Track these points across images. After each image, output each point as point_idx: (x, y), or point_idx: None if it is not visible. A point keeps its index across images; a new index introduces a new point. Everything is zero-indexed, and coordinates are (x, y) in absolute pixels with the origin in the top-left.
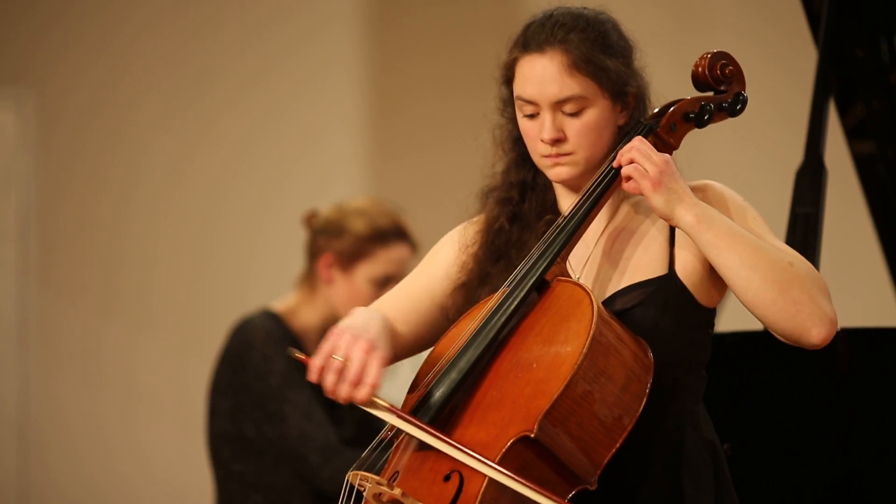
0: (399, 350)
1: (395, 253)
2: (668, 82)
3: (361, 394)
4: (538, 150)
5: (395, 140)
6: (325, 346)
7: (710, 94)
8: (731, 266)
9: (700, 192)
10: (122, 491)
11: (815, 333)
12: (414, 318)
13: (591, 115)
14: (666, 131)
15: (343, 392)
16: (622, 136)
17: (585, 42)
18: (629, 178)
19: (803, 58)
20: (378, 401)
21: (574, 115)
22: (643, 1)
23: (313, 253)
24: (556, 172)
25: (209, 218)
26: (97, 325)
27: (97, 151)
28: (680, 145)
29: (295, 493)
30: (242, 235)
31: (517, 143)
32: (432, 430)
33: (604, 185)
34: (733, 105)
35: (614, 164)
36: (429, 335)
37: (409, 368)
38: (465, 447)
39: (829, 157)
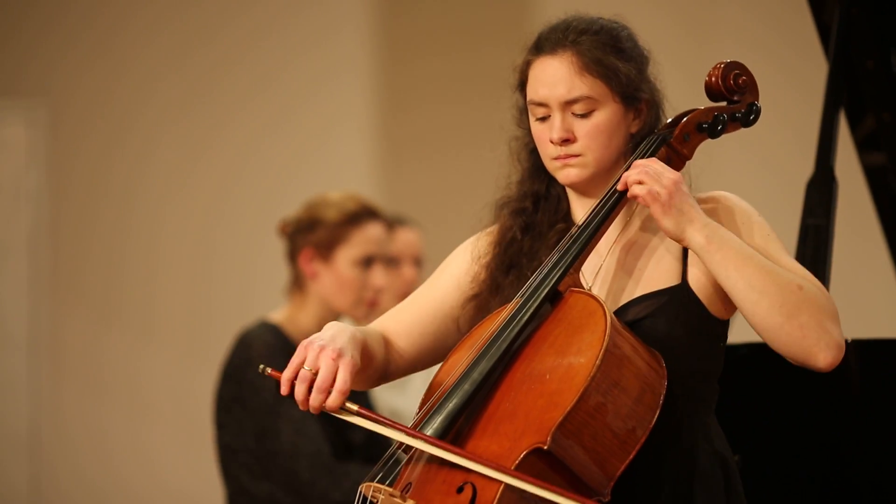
0: (400, 364)
1: (370, 231)
2: (677, 94)
3: (332, 401)
4: (548, 152)
5: (405, 142)
6: (294, 359)
7: (724, 104)
8: (739, 288)
9: (712, 203)
10: (128, 499)
11: (822, 358)
12: (418, 331)
13: (600, 117)
14: (679, 142)
15: (314, 401)
16: (635, 146)
17: (597, 45)
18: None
19: (813, 70)
20: (351, 406)
21: (584, 116)
22: (653, 12)
23: (293, 254)
24: (565, 174)
25: (216, 226)
26: (107, 336)
27: (108, 165)
28: (693, 155)
29: None
30: (250, 242)
31: (532, 154)
32: (424, 436)
33: (618, 195)
34: (746, 115)
35: (619, 187)
36: (436, 349)
37: (421, 380)
38: (474, 455)
39: (840, 169)
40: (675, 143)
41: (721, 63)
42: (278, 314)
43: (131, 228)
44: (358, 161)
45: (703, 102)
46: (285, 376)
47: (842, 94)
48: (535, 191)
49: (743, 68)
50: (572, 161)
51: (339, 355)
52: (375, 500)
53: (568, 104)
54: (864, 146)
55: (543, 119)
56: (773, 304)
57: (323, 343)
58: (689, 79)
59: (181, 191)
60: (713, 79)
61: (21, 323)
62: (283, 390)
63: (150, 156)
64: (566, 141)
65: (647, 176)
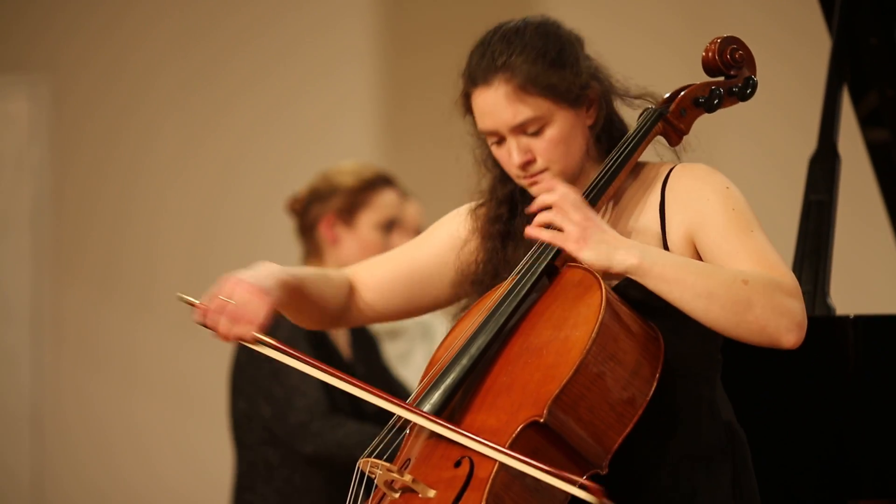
0: (366, 313)
1: (388, 196)
2: (677, 82)
3: (242, 330)
4: (514, 173)
5: (408, 131)
6: (213, 289)
7: (721, 78)
8: (686, 299)
9: (683, 173)
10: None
11: (786, 341)
12: (387, 288)
13: (553, 131)
14: (676, 117)
15: (224, 328)
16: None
17: (526, 63)
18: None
19: (815, 47)
20: (265, 339)
21: (536, 133)
22: (653, 1)
23: (310, 225)
24: (537, 190)
25: (218, 206)
26: (109, 311)
27: (110, 140)
28: (690, 130)
29: (308, 493)
30: (251, 223)
31: (497, 161)
32: (421, 412)
33: (608, 178)
34: (743, 89)
35: (529, 209)
36: (404, 307)
37: (421, 356)
38: (474, 432)
39: (843, 146)
40: (671, 118)
41: (717, 38)
42: None
43: (134, 204)
44: (360, 150)
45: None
46: (201, 304)
47: (845, 71)
48: (508, 195)
49: (739, 43)
50: (539, 177)
51: (256, 289)
52: (374, 476)
53: (518, 127)
54: (867, 122)
55: (500, 142)
56: (724, 305)
57: (242, 277)
58: (687, 66)
59: (184, 169)
60: (710, 54)
61: (23, 297)
62: (197, 317)
63: (153, 135)
64: (528, 163)
65: (555, 215)
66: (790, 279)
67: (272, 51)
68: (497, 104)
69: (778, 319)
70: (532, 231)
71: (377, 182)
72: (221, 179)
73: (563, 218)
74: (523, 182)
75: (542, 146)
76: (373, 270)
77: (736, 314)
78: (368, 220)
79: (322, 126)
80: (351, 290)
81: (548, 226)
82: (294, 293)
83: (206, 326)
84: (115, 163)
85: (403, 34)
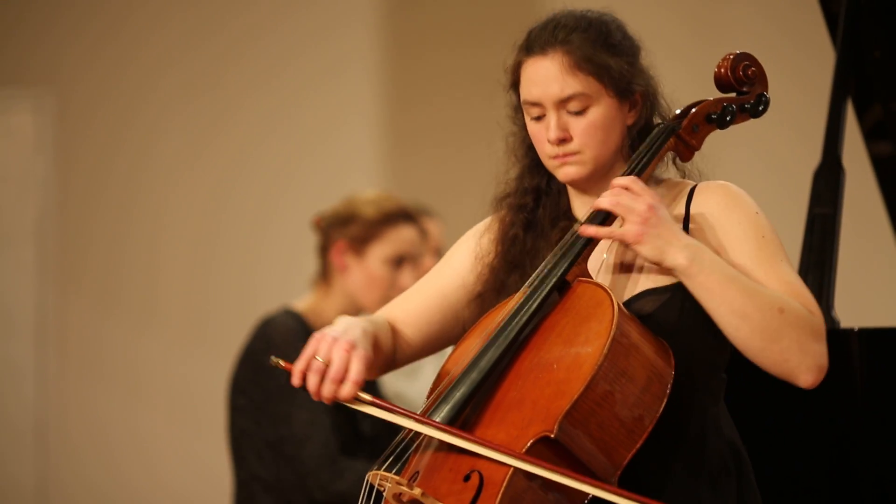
0: (407, 352)
1: (405, 233)
2: (682, 90)
3: (345, 391)
4: (546, 151)
5: (412, 134)
6: (307, 350)
7: (733, 95)
8: (722, 313)
9: (710, 193)
10: (130, 483)
11: (803, 380)
12: (424, 320)
13: (595, 114)
14: (688, 132)
15: (326, 391)
16: (641, 138)
17: (587, 42)
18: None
19: (819, 62)
20: (364, 396)
21: (578, 113)
22: (656, 7)
23: (326, 246)
24: (564, 173)
25: (220, 215)
26: (113, 323)
27: (113, 153)
28: (702, 146)
29: (300, 493)
30: (254, 232)
31: (530, 150)
32: (435, 423)
33: None
34: (756, 106)
35: (594, 206)
36: (441, 337)
37: (431, 369)
38: (483, 440)
39: (847, 158)
40: (683, 133)
41: (730, 54)
42: (302, 303)
43: (137, 216)
44: (364, 153)
45: (707, 97)
46: (297, 367)
47: (849, 84)
48: (535, 186)
49: (752, 59)
50: (571, 159)
51: (352, 347)
52: (382, 489)
53: (562, 103)
54: (871, 135)
55: (539, 118)
56: (754, 329)
57: (336, 335)
58: (692, 74)
59: (186, 179)
60: (722, 70)
61: (27, 309)
62: (295, 382)
63: (155, 144)
64: (563, 140)
65: (618, 207)
66: (819, 319)
67: (273, 55)
68: (549, 74)
69: (801, 357)
70: (587, 229)
71: (397, 216)
72: (223, 185)
73: (627, 211)
74: (552, 163)
75: (582, 127)
76: (404, 306)
77: (763, 340)
78: (379, 253)
79: (325, 130)
80: (393, 331)
81: (603, 220)
82: (374, 346)
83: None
84: (118, 173)
85: (407, 37)
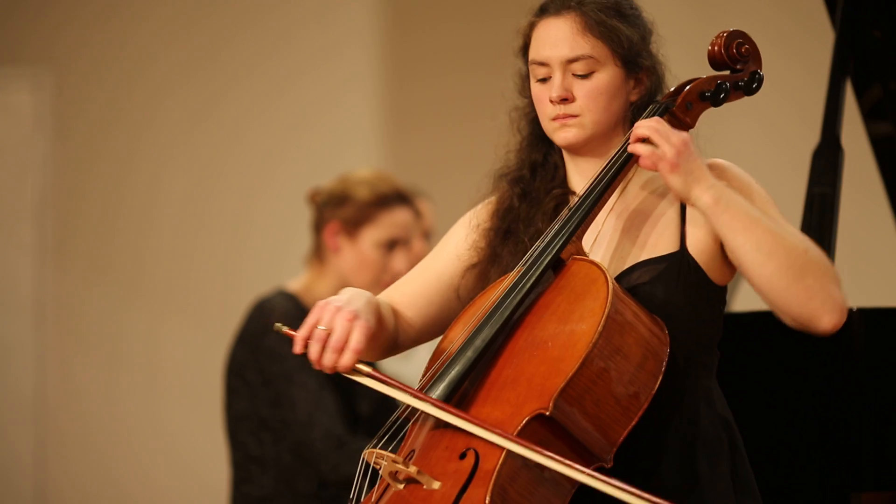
0: (409, 334)
1: (399, 216)
2: (681, 68)
3: (344, 360)
4: (547, 112)
5: (410, 111)
6: (310, 318)
7: (727, 72)
8: (747, 250)
9: (711, 170)
10: (137, 464)
11: (827, 320)
12: (423, 301)
13: (600, 79)
14: (682, 110)
15: (327, 360)
16: (635, 114)
17: (601, 8)
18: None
19: (818, 41)
20: (363, 367)
21: (584, 76)
22: None
23: (319, 225)
24: (562, 135)
25: (216, 192)
26: (113, 305)
27: (113, 132)
28: (696, 124)
29: (302, 475)
30: (252, 207)
31: (532, 124)
32: (431, 399)
33: (620, 164)
34: (749, 83)
35: (630, 142)
36: (441, 319)
37: (425, 351)
38: (478, 420)
39: (846, 139)
40: (677, 111)
41: (724, 32)
42: (295, 283)
43: (134, 192)
44: (363, 131)
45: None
46: (300, 334)
47: (848, 63)
48: (532, 159)
49: (745, 37)
50: (570, 121)
51: (355, 317)
52: (378, 467)
53: (569, 63)
54: (870, 115)
55: (544, 80)
56: (780, 266)
57: (339, 304)
58: (694, 57)
59: (182, 156)
60: (716, 48)
61: (26, 287)
62: (297, 349)
63: (151, 121)
64: (565, 100)
65: (655, 133)
66: (835, 268)
67: (272, 33)
68: (559, 34)
69: (824, 295)
70: (634, 135)
71: (391, 199)
72: (221, 162)
73: (662, 139)
74: (552, 125)
75: (586, 89)
76: (403, 289)
77: (789, 278)
78: (372, 236)
79: (323, 107)
80: (395, 313)
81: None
82: (378, 320)
83: (307, 364)
84: (117, 150)
85: (405, 15)
